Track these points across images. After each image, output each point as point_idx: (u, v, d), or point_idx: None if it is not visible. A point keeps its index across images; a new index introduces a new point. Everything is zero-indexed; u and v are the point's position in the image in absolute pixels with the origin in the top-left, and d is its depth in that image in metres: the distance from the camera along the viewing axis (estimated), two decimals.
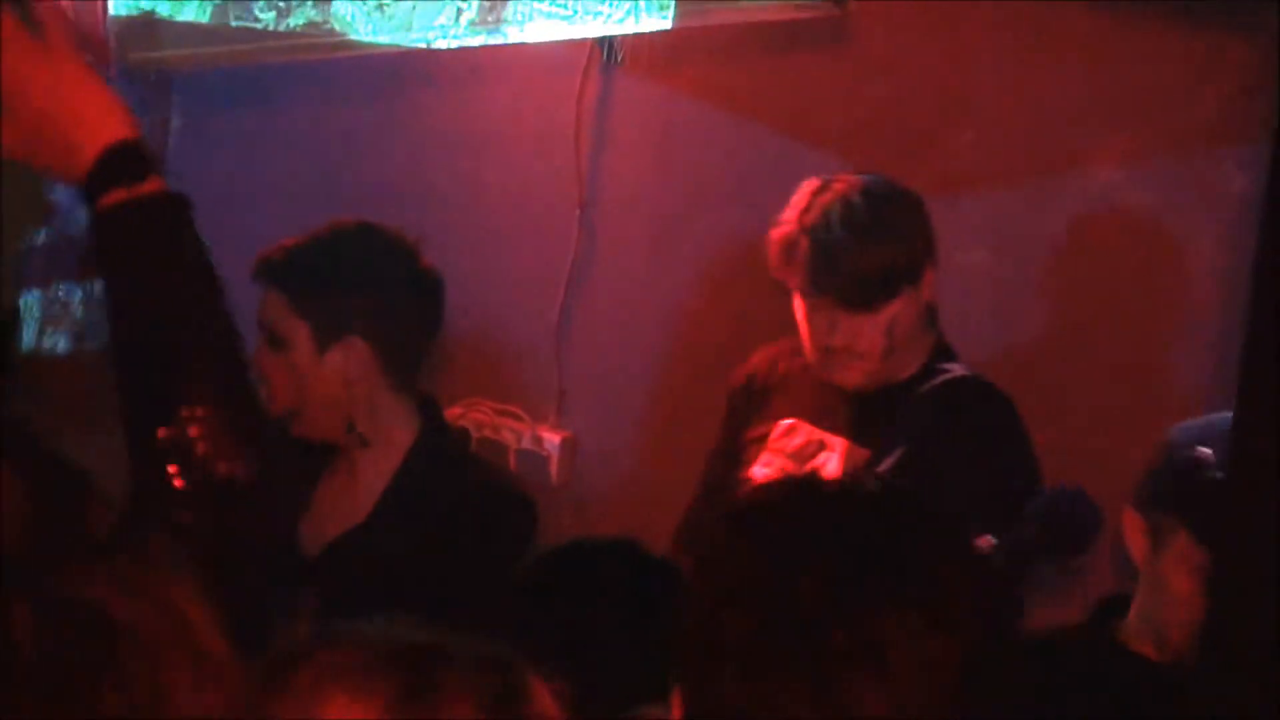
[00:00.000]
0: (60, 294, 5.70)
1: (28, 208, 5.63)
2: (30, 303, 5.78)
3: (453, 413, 5.31)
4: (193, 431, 2.72)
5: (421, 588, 4.01)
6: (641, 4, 5.30)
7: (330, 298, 4.42)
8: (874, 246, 4.45)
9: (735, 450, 4.74)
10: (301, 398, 4.42)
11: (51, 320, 5.75)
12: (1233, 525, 3.46)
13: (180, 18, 5.09)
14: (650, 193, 5.68)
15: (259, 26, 5.16)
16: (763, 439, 4.64)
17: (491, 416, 5.65)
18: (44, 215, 5.67)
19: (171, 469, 2.70)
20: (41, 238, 5.72)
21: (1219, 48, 5.16)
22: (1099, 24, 5.28)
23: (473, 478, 4.62)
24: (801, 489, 2.66)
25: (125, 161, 2.70)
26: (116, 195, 2.69)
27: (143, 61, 5.14)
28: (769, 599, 2.42)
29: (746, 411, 4.78)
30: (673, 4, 5.26)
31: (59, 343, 5.81)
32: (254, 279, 4.45)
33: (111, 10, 4.89)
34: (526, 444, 5.63)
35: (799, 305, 4.53)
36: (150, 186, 2.70)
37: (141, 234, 2.73)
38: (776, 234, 4.50)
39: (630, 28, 5.40)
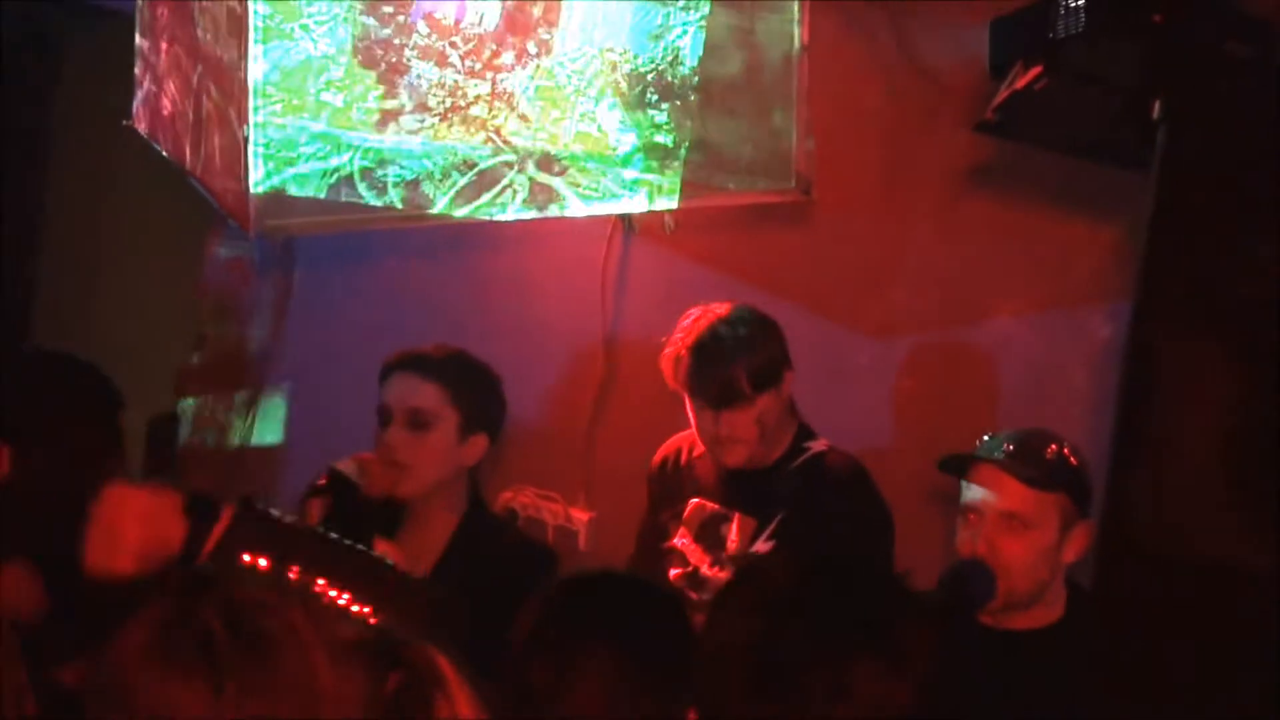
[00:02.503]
0: (210, 402, 5.98)
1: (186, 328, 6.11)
2: (186, 408, 6.08)
3: (505, 496, 5.62)
4: None
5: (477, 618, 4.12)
6: (653, 192, 5.49)
7: (477, 398, 4.66)
8: (738, 360, 4.75)
9: (659, 525, 5.01)
10: (424, 469, 4.62)
11: (202, 421, 6.05)
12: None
13: (303, 195, 5.34)
14: (659, 330, 5.46)
15: (363, 202, 5.43)
16: (678, 515, 4.94)
17: (535, 499, 5.77)
18: (199, 344, 6.09)
19: None
20: (195, 359, 6.11)
21: (1093, 228, 5.52)
22: (1001, 210, 5.64)
23: (508, 536, 4.92)
24: (786, 566, 2.95)
25: (194, 536, 3.09)
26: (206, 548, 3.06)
27: (275, 228, 5.43)
28: (766, 651, 2.71)
29: (662, 492, 5.08)
30: (678, 191, 5.46)
31: (208, 438, 6.08)
32: (408, 370, 4.62)
33: (252, 189, 5.23)
34: (561, 521, 5.75)
35: (689, 406, 4.86)
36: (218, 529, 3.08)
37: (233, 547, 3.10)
38: (666, 354, 4.84)
39: (644, 207, 5.57)
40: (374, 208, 5.42)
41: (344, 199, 5.40)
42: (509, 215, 5.49)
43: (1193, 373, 4.74)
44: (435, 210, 5.46)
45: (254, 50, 5.21)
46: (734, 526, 4.88)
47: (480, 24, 5.43)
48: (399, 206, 5.45)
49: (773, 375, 4.82)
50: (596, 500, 5.82)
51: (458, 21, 5.43)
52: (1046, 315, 5.59)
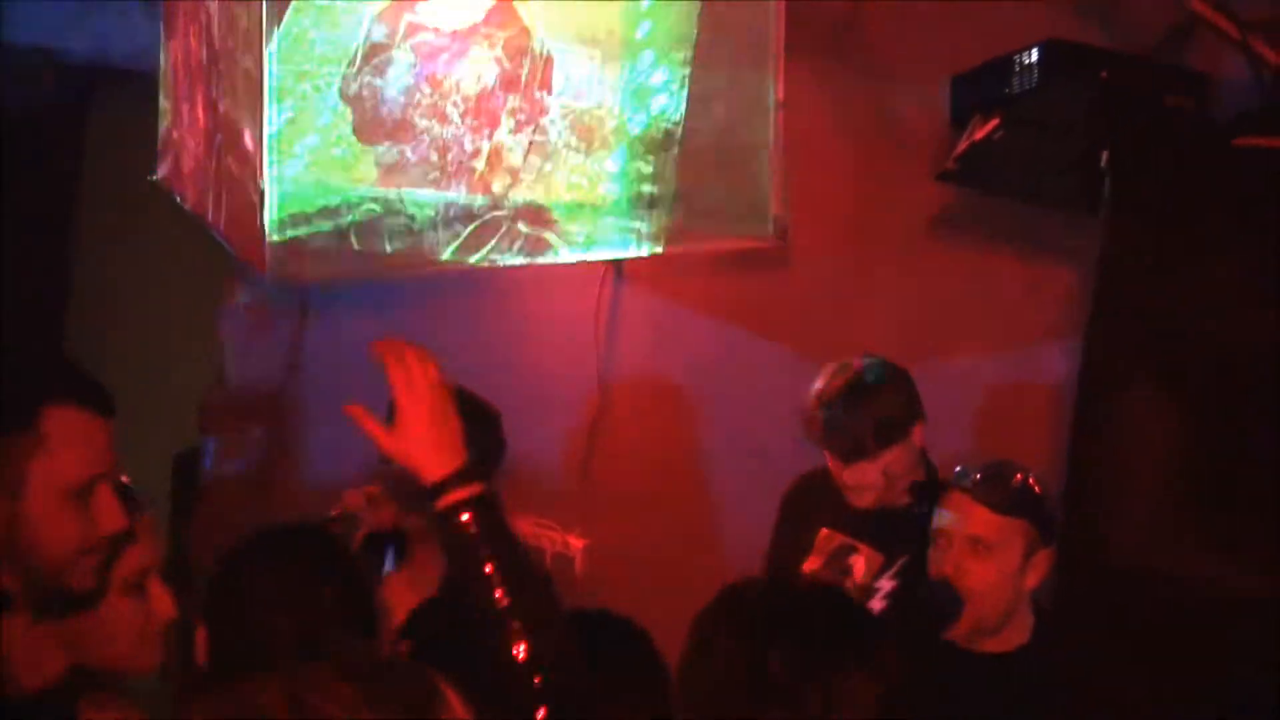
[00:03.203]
0: (231, 437, 6.05)
1: (207, 369, 6.21)
2: (209, 443, 6.19)
3: None
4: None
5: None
6: (639, 239, 5.57)
7: (477, 432, 4.24)
8: (865, 416, 4.77)
9: (789, 548, 5.02)
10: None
11: (228, 452, 6.13)
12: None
13: (316, 244, 5.39)
14: (648, 368, 5.96)
15: (372, 251, 5.49)
16: (810, 543, 4.94)
17: (534, 528, 5.78)
18: (219, 382, 6.23)
19: None
20: (217, 397, 6.22)
21: (1048, 270, 5.66)
22: (963, 253, 5.79)
23: None
24: (769, 590, 3.03)
25: (461, 479, 3.10)
26: (452, 497, 3.09)
27: (290, 275, 5.46)
28: (755, 670, 2.77)
29: (795, 519, 5.11)
30: (662, 239, 5.53)
31: (233, 468, 6.14)
32: None
33: (268, 239, 5.26)
34: (559, 549, 5.81)
35: (825, 454, 4.87)
36: (473, 490, 3.09)
37: (459, 527, 3.11)
38: (804, 409, 4.85)
39: (633, 253, 5.65)
40: (382, 256, 5.53)
41: (355, 248, 5.49)
42: (507, 263, 5.58)
43: (1139, 404, 4.95)
44: (439, 258, 5.56)
45: (269, 109, 5.30)
46: (861, 559, 4.93)
47: (478, 83, 5.53)
48: (405, 255, 5.55)
49: (899, 430, 4.83)
50: (591, 528, 5.89)
51: (459, 81, 5.52)
52: (1006, 352, 5.72)
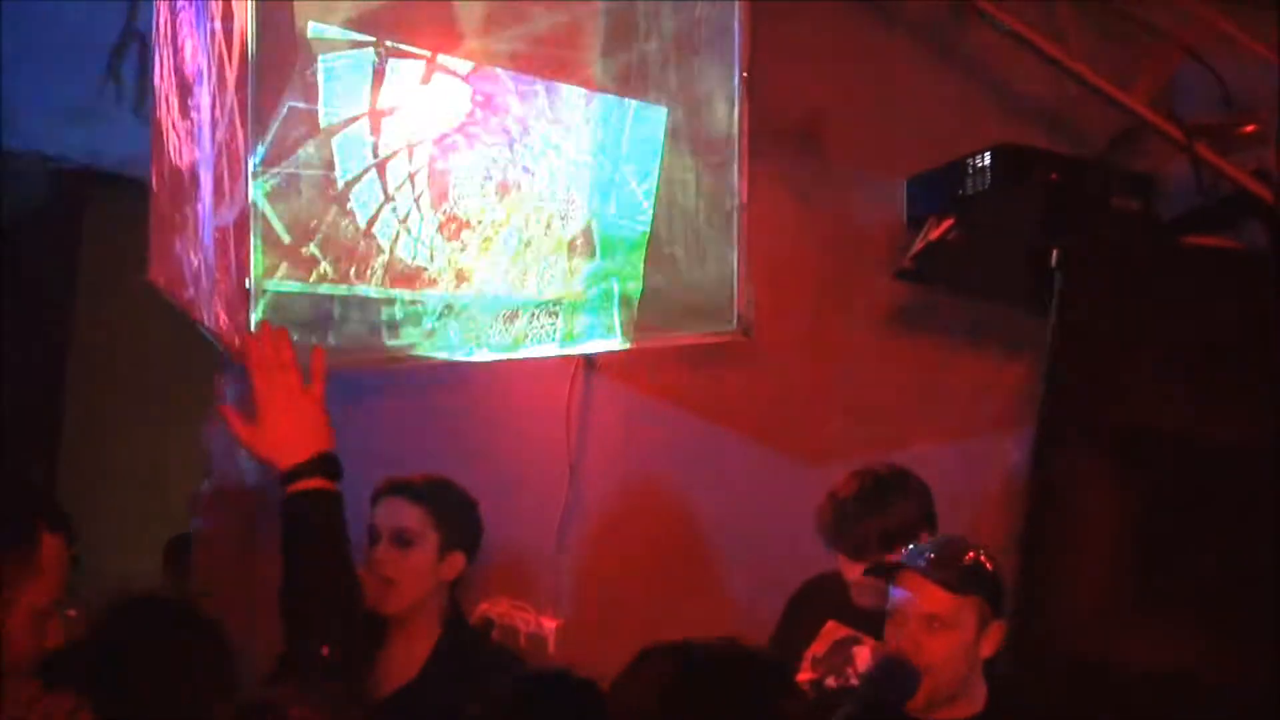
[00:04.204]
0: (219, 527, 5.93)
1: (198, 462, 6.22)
2: (198, 531, 6.16)
3: (483, 606, 5.69)
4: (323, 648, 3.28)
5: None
6: (610, 334, 5.57)
7: (456, 520, 4.85)
8: (874, 520, 4.90)
9: (793, 641, 5.07)
10: (408, 583, 4.80)
11: (216, 540, 5.96)
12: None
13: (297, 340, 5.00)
14: (617, 456, 5.97)
15: (353, 345, 5.56)
16: (814, 634, 5.05)
17: (509, 609, 5.81)
18: (207, 473, 6.19)
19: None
20: (205, 486, 6.20)
21: (1002, 363, 5.74)
22: (921, 347, 5.84)
23: (485, 647, 5.12)
24: (677, 650, 3.08)
25: (318, 466, 3.33)
26: (303, 485, 3.32)
27: None
28: None
29: (800, 616, 5.18)
30: (632, 333, 5.55)
31: (221, 555, 5.94)
32: (395, 495, 4.79)
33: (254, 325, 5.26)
34: (532, 629, 5.82)
35: (836, 552, 4.96)
36: (324, 484, 3.30)
37: (308, 513, 3.34)
38: (820, 505, 4.98)
39: (602, 348, 5.67)
40: (362, 350, 5.59)
41: (337, 344, 5.53)
42: (482, 356, 5.63)
43: (1086, 489, 4.89)
44: (417, 354, 5.61)
45: (254, 215, 5.36)
46: (865, 649, 5.00)
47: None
48: (389, 349, 5.62)
49: (905, 539, 4.87)
50: (564, 609, 5.90)
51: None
52: (963, 441, 5.78)
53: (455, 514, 4.95)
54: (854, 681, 4.97)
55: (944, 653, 4.49)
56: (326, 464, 3.59)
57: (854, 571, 4.92)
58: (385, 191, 5.56)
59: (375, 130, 5.59)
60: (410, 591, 4.89)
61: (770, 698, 2.95)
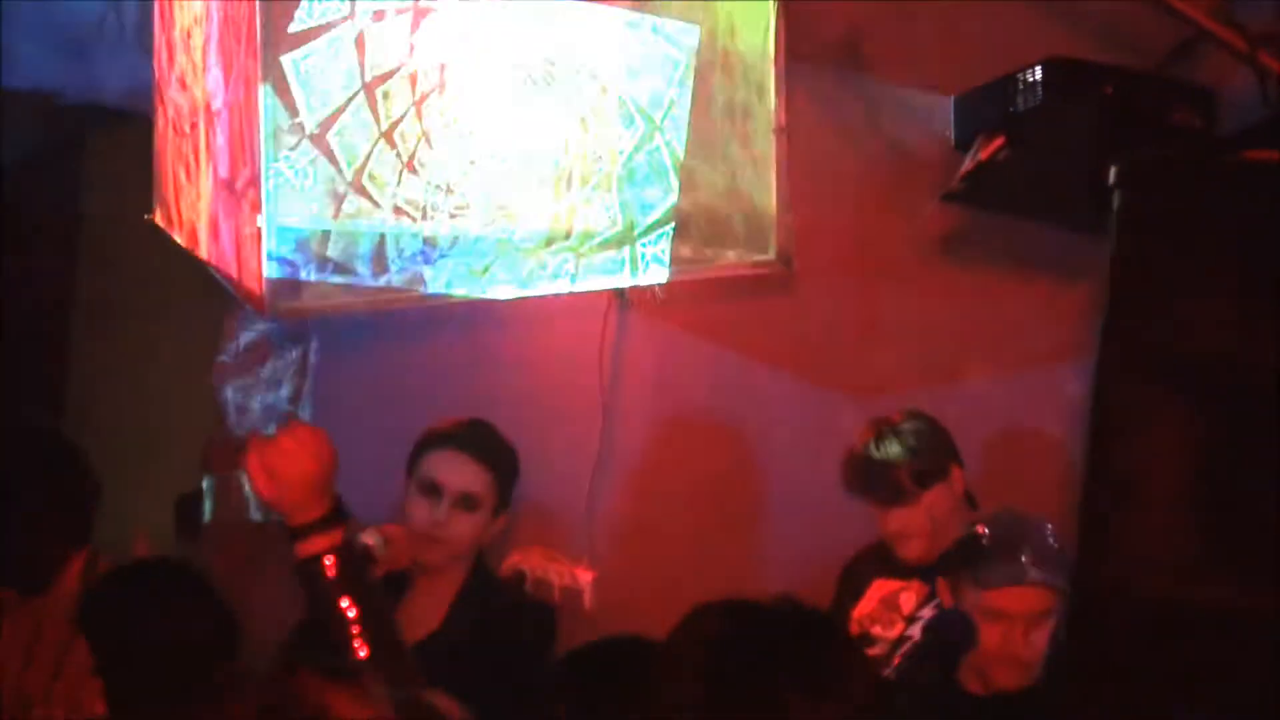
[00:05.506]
0: (234, 477, 5.84)
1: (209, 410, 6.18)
2: (211, 484, 6.14)
3: (514, 558, 5.61)
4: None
5: (481, 670, 4.33)
6: (644, 267, 5.50)
7: (511, 483, 4.88)
8: (900, 462, 4.93)
9: (849, 608, 5.07)
10: (460, 544, 4.82)
11: (227, 495, 6.05)
12: None
13: (316, 279, 5.32)
14: (652, 396, 5.91)
15: (371, 285, 5.40)
16: (863, 593, 5.08)
17: (542, 561, 5.68)
18: (219, 417, 6.14)
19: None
20: (218, 436, 6.14)
21: (1057, 289, 5.61)
22: (971, 274, 5.73)
23: (508, 595, 5.12)
24: (733, 609, 2.92)
25: (325, 524, 3.36)
26: (313, 545, 3.35)
27: (289, 310, 5.39)
28: (715, 689, 2.77)
29: (852, 584, 5.19)
30: (667, 265, 5.49)
31: (235, 509, 5.98)
32: (459, 449, 4.80)
33: (265, 274, 5.23)
34: (567, 581, 5.72)
35: (871, 507, 5.02)
36: (332, 540, 3.35)
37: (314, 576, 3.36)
38: (845, 461, 5.03)
39: (636, 282, 5.57)
40: (382, 289, 5.46)
41: (352, 281, 5.42)
42: (513, 293, 5.52)
43: (1151, 421, 4.66)
44: (441, 290, 5.48)
45: (264, 148, 5.20)
46: (911, 594, 5.01)
47: None
48: (407, 286, 5.47)
49: (938, 472, 4.96)
50: (600, 560, 5.84)
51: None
52: (1018, 374, 5.67)
53: (511, 477, 4.96)
54: (900, 625, 4.94)
55: (1046, 641, 4.47)
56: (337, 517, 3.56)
57: (896, 520, 4.95)
58: (421, 125, 5.40)
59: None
60: (457, 549, 4.88)
61: (827, 656, 2.83)
